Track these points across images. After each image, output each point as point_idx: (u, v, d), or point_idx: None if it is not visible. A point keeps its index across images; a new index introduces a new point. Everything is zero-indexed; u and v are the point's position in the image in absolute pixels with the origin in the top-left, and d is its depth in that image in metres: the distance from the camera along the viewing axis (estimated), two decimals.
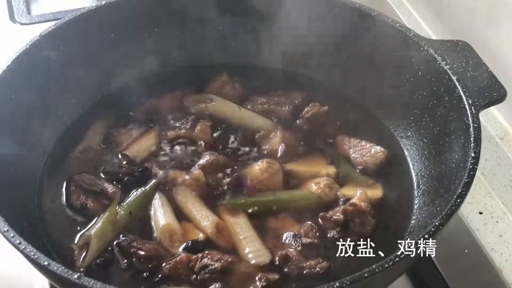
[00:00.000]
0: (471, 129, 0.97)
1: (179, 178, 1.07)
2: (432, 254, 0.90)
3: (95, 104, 1.22)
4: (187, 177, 1.06)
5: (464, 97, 1.01)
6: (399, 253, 0.82)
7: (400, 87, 1.16)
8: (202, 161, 1.09)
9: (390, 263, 0.80)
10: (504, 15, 1.22)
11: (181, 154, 1.12)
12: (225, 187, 1.06)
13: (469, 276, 1.09)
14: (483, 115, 1.08)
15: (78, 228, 1.01)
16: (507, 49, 1.22)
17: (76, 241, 0.98)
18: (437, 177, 1.06)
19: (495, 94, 1.03)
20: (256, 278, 0.92)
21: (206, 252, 0.95)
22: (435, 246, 0.85)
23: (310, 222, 1.00)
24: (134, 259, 0.95)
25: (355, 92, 1.24)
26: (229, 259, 0.94)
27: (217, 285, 0.91)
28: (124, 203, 1.02)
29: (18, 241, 0.82)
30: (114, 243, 0.97)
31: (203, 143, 1.14)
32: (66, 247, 0.98)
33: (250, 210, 1.03)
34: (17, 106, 1.06)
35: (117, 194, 1.03)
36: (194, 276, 0.93)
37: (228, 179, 1.07)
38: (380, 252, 0.93)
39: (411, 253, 0.82)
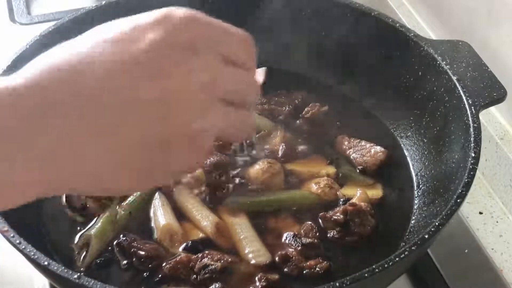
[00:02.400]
0: (471, 129, 0.97)
1: (179, 178, 1.07)
2: (432, 254, 0.90)
3: None
4: (188, 176, 1.06)
5: (464, 97, 1.01)
6: (399, 253, 0.82)
7: (400, 87, 1.16)
8: (205, 162, 1.09)
9: (390, 263, 0.80)
10: (504, 15, 1.22)
11: None
12: (226, 187, 1.06)
13: (469, 276, 1.09)
14: (483, 115, 1.08)
15: (78, 228, 1.01)
16: (507, 49, 1.22)
17: (76, 241, 0.98)
18: (437, 177, 1.06)
19: (495, 94, 1.03)
20: (256, 278, 0.93)
21: (206, 252, 0.95)
22: (435, 246, 0.85)
23: (310, 222, 1.01)
24: (134, 259, 0.95)
25: (355, 92, 1.24)
26: (229, 259, 0.94)
27: (217, 285, 0.91)
28: (124, 203, 1.02)
29: (18, 241, 0.82)
30: (114, 243, 0.97)
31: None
32: (66, 247, 0.98)
33: (250, 210, 1.03)
34: None
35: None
36: (194, 276, 0.93)
37: (228, 179, 1.07)
38: (380, 252, 0.93)
39: (411, 253, 0.82)
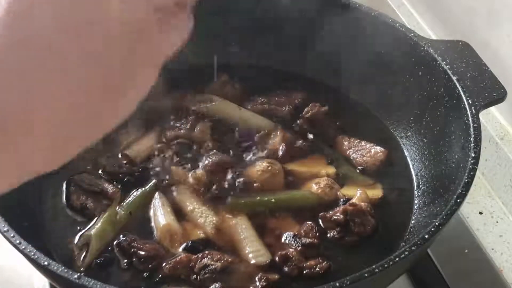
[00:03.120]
0: (471, 129, 0.97)
1: (181, 178, 1.07)
2: (432, 254, 0.90)
3: None
4: (190, 176, 1.06)
5: (464, 97, 1.01)
6: (399, 253, 0.82)
7: (400, 87, 1.16)
8: (206, 161, 1.09)
9: (390, 263, 0.80)
10: (504, 15, 1.22)
11: (181, 154, 1.12)
12: (226, 187, 1.06)
13: (469, 276, 1.09)
14: (483, 115, 1.08)
15: (78, 228, 1.01)
16: (507, 49, 1.22)
17: (76, 241, 0.98)
18: (437, 177, 1.06)
19: (495, 94, 1.03)
20: (256, 278, 0.93)
21: (206, 252, 0.95)
22: (435, 246, 0.85)
23: (310, 222, 1.00)
24: (134, 259, 0.95)
25: (355, 92, 1.24)
26: (229, 259, 0.94)
27: (217, 285, 0.91)
28: (124, 203, 1.02)
29: (18, 241, 0.82)
30: (114, 243, 0.97)
31: (207, 144, 1.13)
32: (66, 247, 0.98)
33: (250, 210, 1.03)
34: None
35: (117, 194, 1.03)
36: (194, 276, 0.93)
37: (229, 179, 1.07)
38: (380, 252, 0.93)
39: (411, 253, 0.82)
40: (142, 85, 0.49)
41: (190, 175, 1.07)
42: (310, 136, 1.17)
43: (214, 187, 1.06)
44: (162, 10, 0.48)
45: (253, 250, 0.97)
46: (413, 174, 1.11)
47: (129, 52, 0.46)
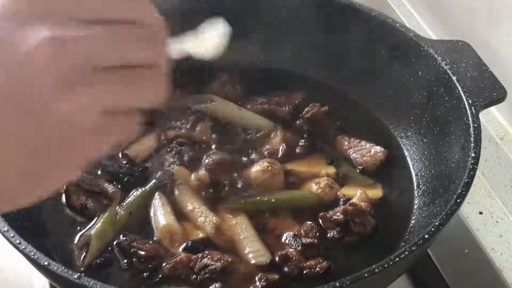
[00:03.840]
0: (471, 129, 0.97)
1: (184, 178, 1.06)
2: (432, 254, 0.90)
3: None
4: (193, 177, 1.06)
5: (464, 97, 1.01)
6: (399, 253, 0.82)
7: (400, 87, 1.16)
8: (206, 161, 1.09)
9: (390, 263, 0.80)
10: (504, 15, 1.22)
11: (181, 154, 1.12)
12: (226, 187, 1.06)
13: (469, 276, 1.09)
14: (483, 115, 1.08)
15: (78, 228, 1.01)
16: (507, 49, 1.22)
17: (76, 241, 0.98)
18: (437, 177, 1.06)
19: (495, 94, 1.03)
20: (256, 278, 0.93)
21: (206, 252, 0.95)
22: (435, 246, 0.85)
23: (310, 222, 1.01)
24: (134, 259, 0.95)
25: (355, 92, 1.24)
26: (229, 259, 0.94)
27: (217, 285, 0.91)
28: (124, 203, 1.02)
29: (18, 241, 0.82)
30: (114, 243, 0.97)
31: (207, 143, 1.13)
32: (66, 247, 0.98)
33: (250, 210, 1.03)
34: None
35: (117, 194, 1.03)
36: (194, 276, 0.93)
37: (229, 179, 1.07)
38: (380, 252, 0.93)
39: (411, 253, 0.82)
40: (59, 180, 0.50)
41: (193, 176, 1.07)
42: (310, 136, 1.17)
43: (214, 186, 1.06)
44: (109, 114, 0.47)
45: (253, 250, 0.97)
46: (413, 174, 1.11)
47: (56, 150, 0.46)
